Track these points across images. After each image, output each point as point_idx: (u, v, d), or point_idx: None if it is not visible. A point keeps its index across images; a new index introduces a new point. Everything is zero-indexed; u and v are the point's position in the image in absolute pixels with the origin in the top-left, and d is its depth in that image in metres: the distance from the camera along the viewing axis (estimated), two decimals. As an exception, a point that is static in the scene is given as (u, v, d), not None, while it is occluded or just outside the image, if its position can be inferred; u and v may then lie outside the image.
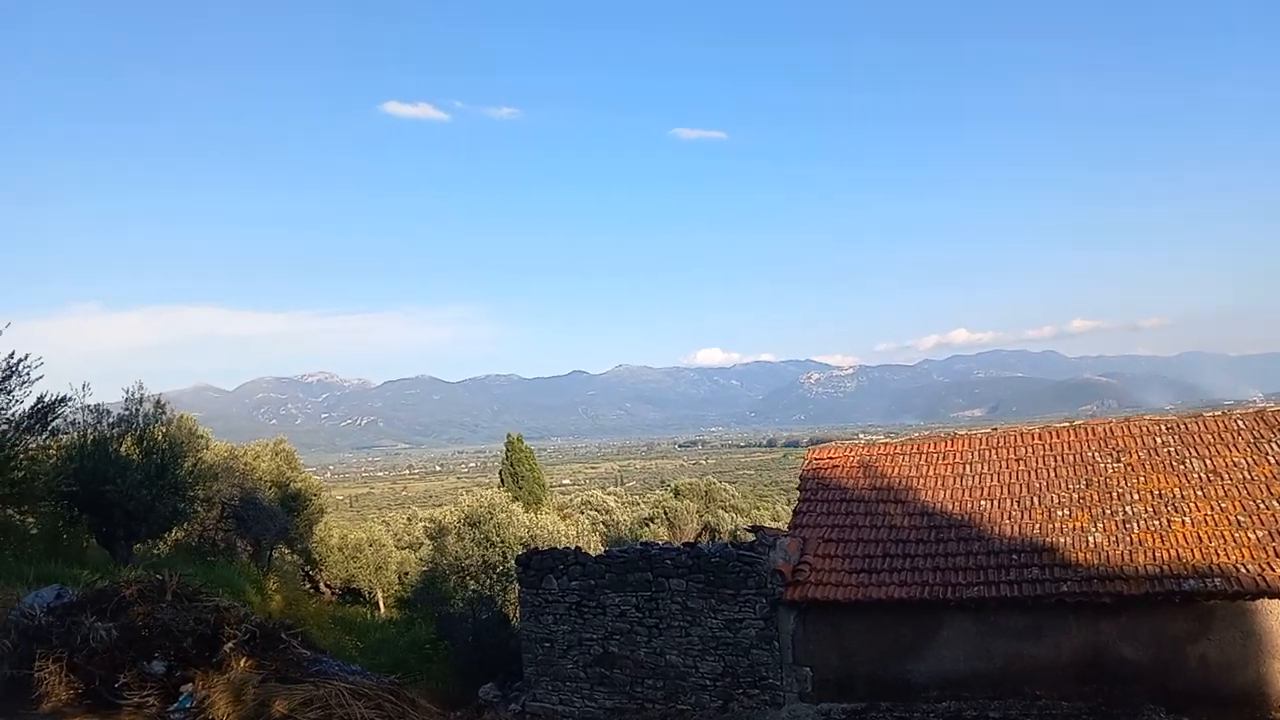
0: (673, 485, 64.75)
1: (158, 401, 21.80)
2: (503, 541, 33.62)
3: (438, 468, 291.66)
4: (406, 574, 41.54)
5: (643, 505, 60.37)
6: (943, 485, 14.92)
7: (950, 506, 14.27)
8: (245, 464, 28.91)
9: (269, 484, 31.94)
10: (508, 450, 48.04)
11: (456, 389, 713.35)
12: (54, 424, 16.30)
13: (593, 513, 50.82)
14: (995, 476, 14.77)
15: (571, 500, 57.54)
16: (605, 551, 15.68)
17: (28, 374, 15.41)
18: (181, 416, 23.39)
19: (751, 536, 14.10)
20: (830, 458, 16.44)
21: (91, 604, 9.74)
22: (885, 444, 16.86)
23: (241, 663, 9.60)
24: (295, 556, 36.06)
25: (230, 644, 9.62)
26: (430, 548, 41.29)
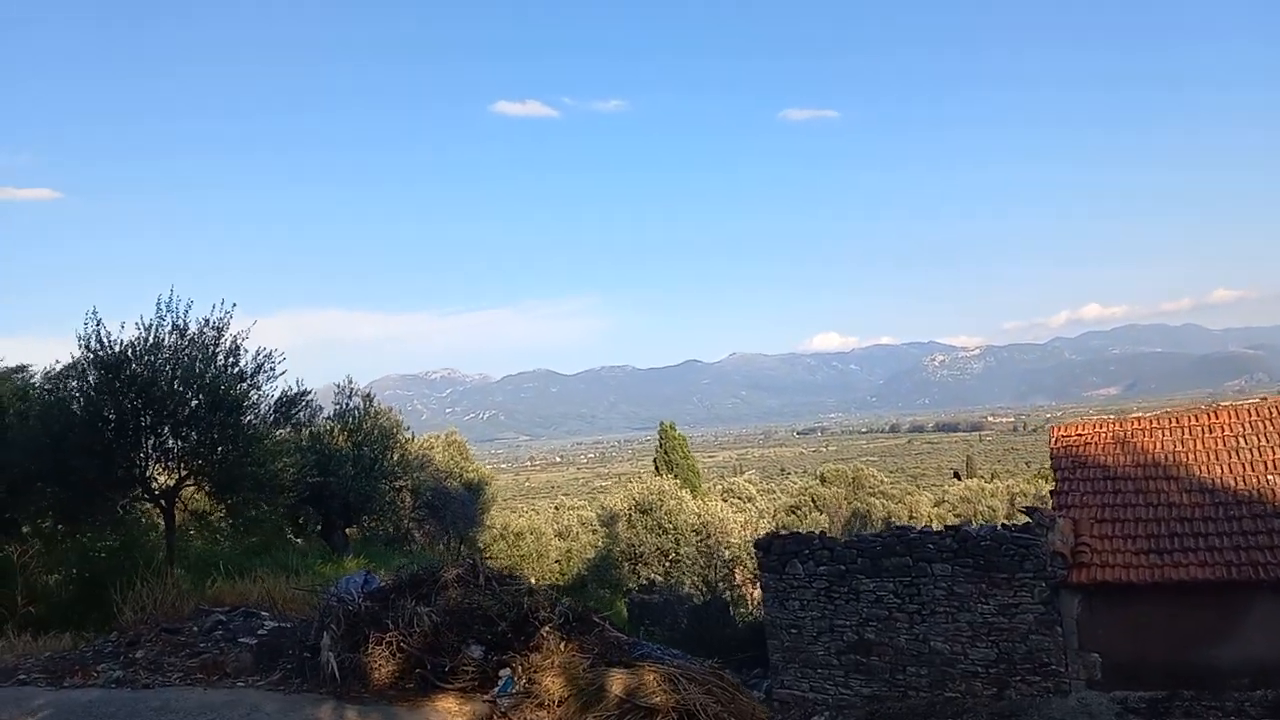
0: (819, 471, 63.88)
1: (367, 395, 22.41)
2: (674, 528, 33.62)
3: (558, 459, 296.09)
4: (557, 561, 42.06)
5: (778, 492, 59.80)
6: (1216, 460, 13.97)
7: (1233, 482, 13.33)
8: (423, 456, 29.60)
9: (445, 475, 32.66)
10: (661, 438, 48.15)
11: (573, 381, 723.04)
12: (295, 416, 16.78)
13: (736, 500, 50.46)
14: (1277, 449, 13.73)
15: (711, 488, 57.31)
16: (856, 536, 15.27)
17: (272, 369, 15.86)
18: (389, 410, 24.00)
19: (1025, 518, 13.45)
20: (1079, 434, 15.60)
21: (410, 588, 9.85)
22: (1139, 418, 15.94)
23: (560, 646, 9.57)
24: (462, 545, 36.88)
25: (546, 627, 9.59)
26: (593, 535, 41.69)
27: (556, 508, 55.19)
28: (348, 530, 21.87)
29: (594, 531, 43.58)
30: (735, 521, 34.26)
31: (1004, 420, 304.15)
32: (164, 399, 14.40)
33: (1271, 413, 14.60)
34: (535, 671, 9.39)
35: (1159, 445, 14.64)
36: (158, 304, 14.67)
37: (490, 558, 40.29)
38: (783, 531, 15.90)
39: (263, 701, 9.22)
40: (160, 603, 11.51)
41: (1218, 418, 14.92)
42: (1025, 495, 53.67)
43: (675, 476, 45.78)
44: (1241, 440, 14.19)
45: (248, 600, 12.25)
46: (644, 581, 32.90)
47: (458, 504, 28.54)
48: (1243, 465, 13.66)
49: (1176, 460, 14.16)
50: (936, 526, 15.84)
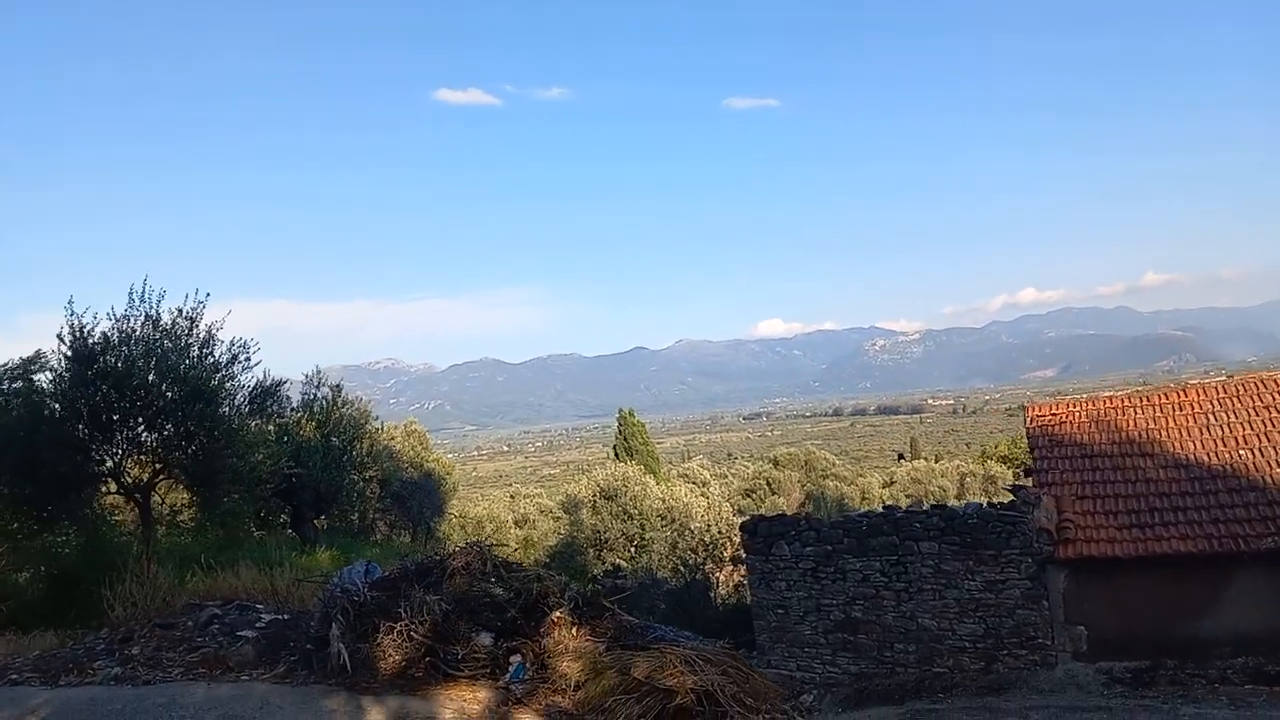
0: (772, 455, 64.36)
1: (336, 386, 22.08)
2: (640, 513, 33.66)
3: (505, 448, 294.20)
4: (516, 549, 41.82)
5: (730, 477, 60.10)
6: (1189, 436, 14.35)
7: (1206, 458, 13.71)
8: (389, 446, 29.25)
9: (406, 464, 32.30)
10: (620, 425, 48.15)
11: (519, 370, 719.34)
12: (270, 407, 16.48)
13: (690, 485, 50.67)
14: (1246, 425, 14.15)
15: (667, 474, 57.42)
16: (843, 516, 15.42)
17: (247, 359, 15.54)
18: (357, 400, 23.68)
19: (977, 499, 13.68)
20: (1054, 414, 15.93)
21: (418, 577, 9.74)
22: (1112, 397, 16.28)
23: (573, 631, 9.54)
24: (428, 535, 36.56)
25: (557, 613, 9.56)
26: (554, 522, 41.57)
27: (512, 496, 54.85)
28: (315, 522, 21.56)
29: (555, 519, 43.47)
30: (699, 506, 34.37)
31: (944, 403, 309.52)
32: (139, 391, 14.07)
33: (1238, 390, 15.04)
34: (548, 657, 9.36)
35: (1133, 423, 15.00)
36: (130, 294, 14.30)
37: (451, 545, 40.02)
38: (768, 514, 16.00)
39: (271, 695, 9.07)
40: (151, 598, 11.27)
41: (1187, 396, 15.34)
42: (974, 475, 54.65)
43: (635, 463, 45.89)
44: (1211, 417, 14.59)
45: (238, 594, 12.05)
46: (608, 567, 32.90)
47: (423, 494, 28.27)
48: (1214, 441, 14.06)
49: (1151, 437, 14.52)
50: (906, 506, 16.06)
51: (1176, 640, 12.14)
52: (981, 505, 13.69)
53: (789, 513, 42.82)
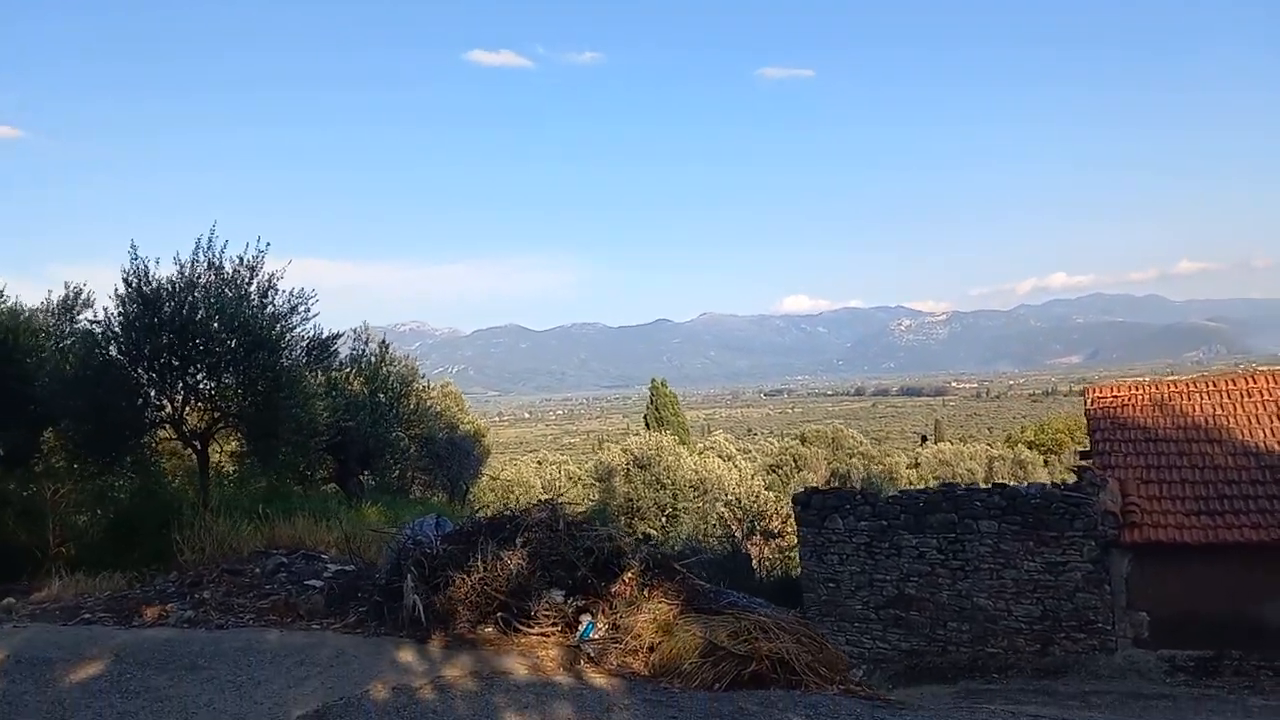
0: (799, 432, 64.37)
1: (382, 341, 22.11)
2: (673, 483, 33.71)
3: (526, 415, 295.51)
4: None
5: (753, 452, 60.14)
6: (1258, 424, 14.12)
7: (1278, 447, 13.48)
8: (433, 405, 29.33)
9: (443, 425, 32.40)
10: (652, 395, 48.16)
11: (543, 337, 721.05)
12: (326, 359, 16.47)
13: (720, 458, 50.71)
14: (1318, 415, 13.92)
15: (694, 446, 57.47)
16: (899, 492, 15.31)
17: (306, 310, 15.51)
18: (405, 357, 23.71)
19: (1074, 477, 13.54)
20: (1116, 396, 15.70)
21: (490, 531, 9.71)
22: (1175, 382, 16.05)
23: (645, 592, 9.50)
24: (466, 495, 36.77)
25: (629, 573, 9.51)
26: (583, 489, 41.67)
27: (539, 462, 55.14)
28: (360, 477, 21.66)
29: (585, 486, 43.56)
30: (731, 479, 34.37)
31: (967, 386, 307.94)
32: (201, 337, 14.08)
33: (1310, 379, 14.78)
34: (620, 617, 9.33)
35: (1197, 408, 14.76)
36: (196, 243, 14.28)
37: (484, 507, 40.31)
38: (824, 487, 15.90)
39: (345, 644, 9.09)
40: (219, 544, 11.34)
41: (1255, 383, 15.06)
42: (1003, 459, 54.38)
43: (665, 432, 45.92)
44: (1281, 405, 14.35)
45: (300, 544, 12.10)
46: (639, 536, 32.99)
47: (461, 454, 28.36)
48: (1285, 430, 13.83)
49: (1217, 424, 14.29)
50: (970, 485, 15.93)
51: (1242, 630, 11.99)
52: (1045, 486, 13.56)
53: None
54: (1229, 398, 14.84)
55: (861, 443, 59.02)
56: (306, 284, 15.11)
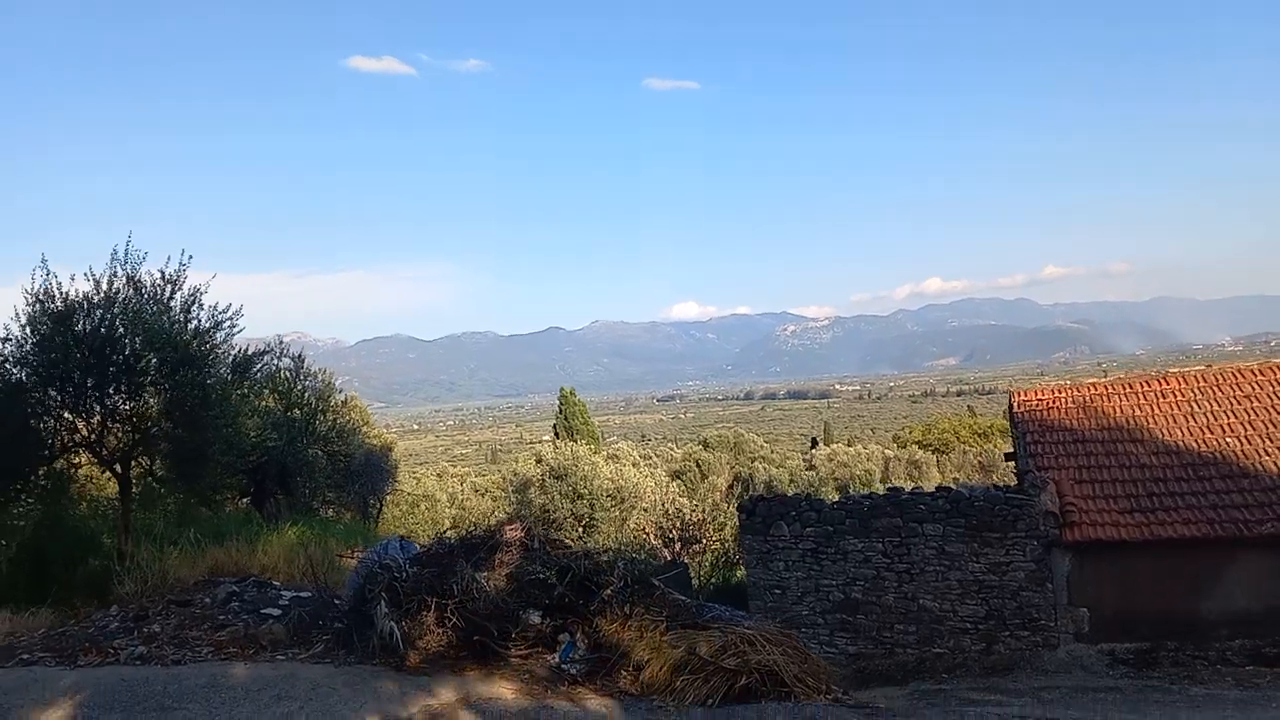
0: (701, 437, 64.86)
1: (298, 356, 21.33)
2: (590, 493, 33.47)
3: (415, 426, 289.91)
4: (453, 528, 41.25)
5: (655, 458, 60.38)
6: (1175, 424, 14.84)
7: (1195, 445, 14.19)
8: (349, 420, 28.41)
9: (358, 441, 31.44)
10: (561, 404, 47.82)
11: (432, 347, 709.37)
12: (251, 375, 15.80)
13: (633, 466, 50.78)
14: (1229, 414, 14.70)
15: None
16: (844, 497, 15.50)
17: (231, 326, 14.87)
18: (322, 371, 22.90)
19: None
20: (1039, 399, 16.29)
21: (464, 553, 9.41)
22: (1095, 384, 16.77)
23: (626, 610, 9.33)
24: (379, 512, 35.77)
25: (608, 590, 9.34)
26: (492, 502, 41.11)
27: (439, 475, 54.12)
28: (277, 497, 20.83)
29: (494, 499, 42.95)
30: (647, 486, 34.35)
31: (850, 388, 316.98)
32: (120, 355, 13.31)
33: (1218, 379, 15.62)
34: (601, 636, 9.16)
35: (1118, 409, 15.44)
36: (112, 255, 13.50)
37: (382, 524, 39.26)
38: (768, 495, 16.02)
39: (318, 676, 8.68)
40: (162, 573, 10.71)
41: (1168, 384, 15.85)
42: (898, 460, 56.00)
43: (576, 442, 45.66)
44: (1194, 405, 15.12)
45: (247, 570, 11.54)
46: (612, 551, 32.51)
47: (374, 471, 27.55)
48: (1200, 429, 14.56)
49: (1138, 424, 14.97)
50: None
51: (1177, 622, 12.55)
52: (988, 488, 13.93)
53: (720, 493, 42.99)
54: (1145, 399, 15.57)
55: (762, 447, 59.84)
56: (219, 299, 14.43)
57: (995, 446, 55.89)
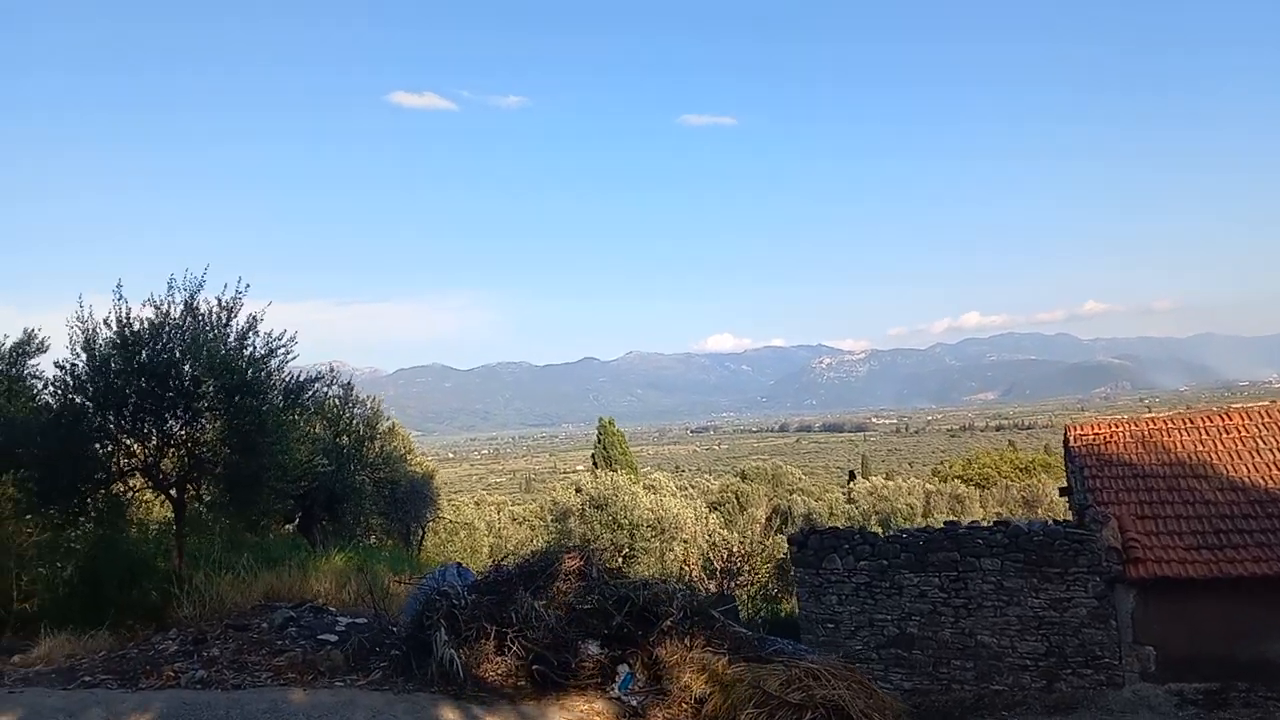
0: (740, 469, 64.52)
1: (347, 384, 21.51)
2: (630, 523, 33.33)
3: (451, 455, 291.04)
4: (491, 558, 41.33)
5: (690, 489, 60.13)
6: (1239, 460, 14.49)
7: (1262, 481, 13.84)
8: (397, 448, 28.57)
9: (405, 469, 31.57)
10: (600, 434, 47.79)
11: (468, 376, 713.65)
12: (304, 402, 15.90)
13: (673, 497, 50.60)
14: (1297, 451, 14.34)
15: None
16: (899, 530, 15.27)
17: (285, 353, 15.00)
18: (370, 398, 23.08)
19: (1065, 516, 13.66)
20: (1096, 433, 15.99)
21: (523, 581, 9.35)
22: (1154, 419, 16.45)
23: (686, 641, 9.21)
24: (422, 540, 35.83)
25: (668, 622, 9.23)
26: (530, 531, 41.06)
27: (477, 503, 54.23)
28: (324, 524, 20.92)
29: (531, 527, 42.88)
30: (688, 517, 34.16)
31: (887, 421, 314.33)
32: (179, 382, 13.48)
33: (1282, 415, 15.25)
34: (661, 668, 9.03)
35: (1179, 445, 15.10)
36: (170, 283, 13.71)
37: (423, 551, 39.32)
38: (821, 527, 15.83)
39: (378, 703, 8.63)
40: (220, 598, 10.75)
41: (1231, 420, 15.49)
42: (940, 494, 55.25)
43: (621, 471, 45.56)
44: (1259, 441, 14.75)
45: (303, 596, 11.56)
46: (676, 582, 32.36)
47: (418, 498, 27.66)
48: (1267, 465, 14.20)
49: (1201, 459, 14.63)
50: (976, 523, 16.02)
51: (1247, 662, 12.18)
52: (1048, 523, 13.67)
53: (759, 525, 42.55)
54: (1208, 434, 15.23)
55: (801, 479, 59.40)
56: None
57: (1038, 482, 55.06)
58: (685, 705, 8.61)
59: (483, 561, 40.40)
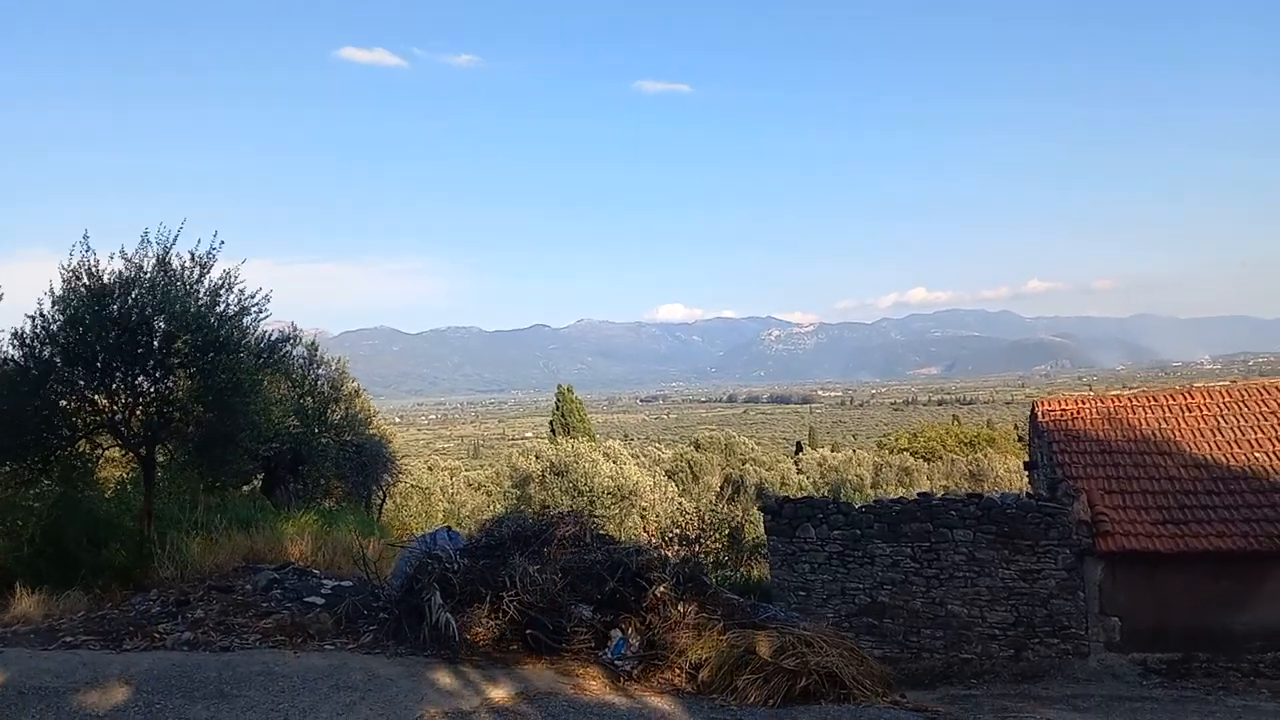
0: (692, 438, 64.85)
1: (312, 344, 21.13)
2: (590, 490, 33.41)
3: (398, 419, 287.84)
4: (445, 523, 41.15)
5: (643, 458, 60.38)
6: (1202, 438, 14.89)
7: (1224, 459, 14.24)
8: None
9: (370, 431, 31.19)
10: (559, 401, 47.71)
11: (416, 340, 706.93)
12: (278, 361, 15.61)
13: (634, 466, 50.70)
14: (1256, 429, 14.77)
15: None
16: (875, 501, 15.46)
17: (259, 311, 14.69)
18: (336, 359, 22.71)
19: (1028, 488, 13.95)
20: (1064, 409, 16.31)
21: (517, 545, 9.30)
22: (1119, 396, 16.81)
23: (679, 608, 9.25)
24: (383, 502, 35.50)
25: (660, 587, 9.25)
26: (486, 497, 40.96)
27: (430, 468, 53.89)
28: (288, 486, 20.64)
29: (488, 493, 42.76)
30: (646, 484, 34.33)
31: (833, 394, 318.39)
32: (151, 337, 13.12)
33: (1243, 395, 15.68)
34: (654, 633, 9.06)
35: (1144, 422, 15.47)
36: (143, 236, 13.30)
37: (382, 517, 38.99)
38: (795, 497, 15.97)
39: (373, 666, 8.56)
40: (200, 558, 10.56)
41: (1194, 398, 15.91)
42: (889, 466, 56.15)
43: (580, 438, 45.53)
44: (1220, 420, 15.17)
45: (285, 558, 11.41)
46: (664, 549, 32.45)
47: (380, 460, 27.35)
48: (1228, 443, 14.62)
49: (1165, 436, 15.01)
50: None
51: (1209, 634, 12.59)
52: (1020, 496, 13.94)
53: (715, 494, 42.84)
54: (1171, 412, 15.62)
55: (753, 449, 59.87)
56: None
57: (983, 456, 56.22)
58: (679, 670, 8.66)
59: (435, 526, 40.16)
